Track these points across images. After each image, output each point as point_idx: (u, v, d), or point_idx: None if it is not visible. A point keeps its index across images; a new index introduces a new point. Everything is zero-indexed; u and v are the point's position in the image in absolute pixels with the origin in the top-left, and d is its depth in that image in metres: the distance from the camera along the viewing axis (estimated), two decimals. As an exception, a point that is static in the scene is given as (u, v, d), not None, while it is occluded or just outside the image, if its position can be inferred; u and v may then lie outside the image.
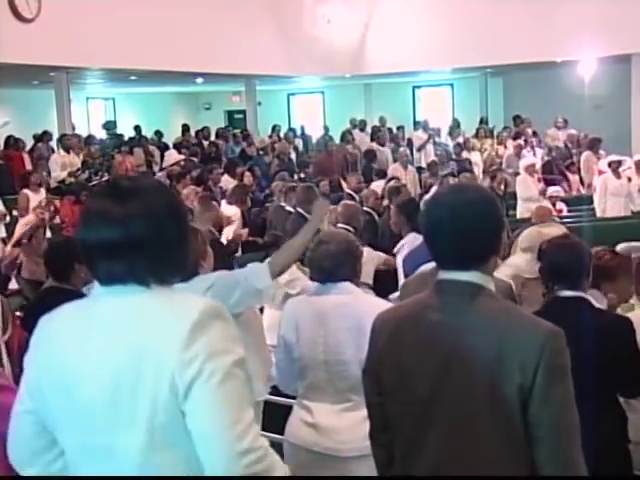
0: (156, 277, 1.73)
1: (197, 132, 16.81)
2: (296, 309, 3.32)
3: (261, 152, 14.93)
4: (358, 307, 3.11)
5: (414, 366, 2.03)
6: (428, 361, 2.01)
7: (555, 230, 5.10)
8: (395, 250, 6.14)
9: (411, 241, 6.24)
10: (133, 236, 1.68)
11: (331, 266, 3.19)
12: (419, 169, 13.74)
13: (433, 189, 11.02)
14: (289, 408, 3.51)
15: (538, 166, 12.10)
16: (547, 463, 1.90)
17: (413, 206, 6.33)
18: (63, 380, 1.71)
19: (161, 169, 13.93)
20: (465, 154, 14.26)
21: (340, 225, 7.07)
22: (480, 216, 2.01)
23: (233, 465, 1.63)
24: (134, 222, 1.69)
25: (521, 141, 14.36)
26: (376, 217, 8.06)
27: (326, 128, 17.77)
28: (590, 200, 11.65)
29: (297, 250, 3.60)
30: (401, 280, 5.93)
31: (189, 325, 1.64)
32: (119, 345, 1.67)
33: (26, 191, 9.88)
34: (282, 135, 16.78)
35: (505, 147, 14.93)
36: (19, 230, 8.62)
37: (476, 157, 14.41)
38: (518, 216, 10.68)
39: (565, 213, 11.05)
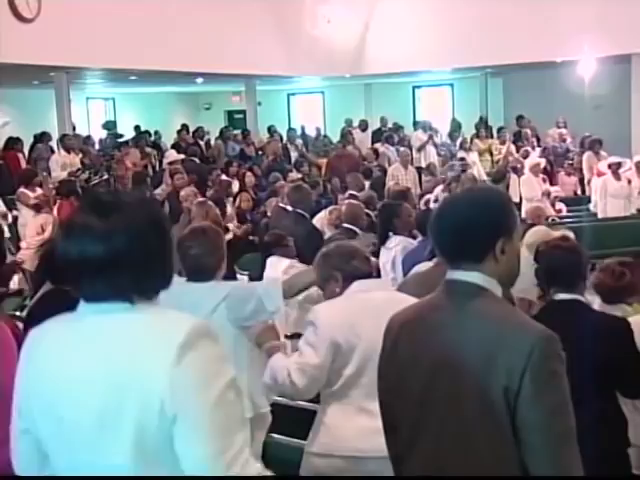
0: (140, 292, 1.71)
1: (194, 132, 16.79)
2: (348, 309, 3.16)
3: (260, 152, 14.94)
4: (406, 300, 3.00)
5: (410, 366, 2.05)
6: (422, 361, 2.02)
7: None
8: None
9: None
10: (115, 251, 1.66)
11: (367, 266, 3.21)
12: (419, 169, 13.74)
13: (436, 190, 11.06)
14: (300, 411, 3.48)
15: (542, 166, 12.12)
16: (539, 469, 1.88)
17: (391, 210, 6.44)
18: (51, 401, 1.70)
19: (161, 169, 13.94)
20: (462, 154, 14.27)
21: (345, 225, 7.07)
22: (474, 216, 2.01)
23: None
24: (116, 237, 1.67)
25: (528, 147, 14.36)
26: (374, 218, 8.05)
27: (317, 129, 17.83)
28: (589, 201, 11.66)
29: (312, 280, 3.61)
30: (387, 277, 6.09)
31: (176, 347, 1.62)
32: (105, 368, 1.65)
33: (23, 189, 9.88)
34: (279, 135, 16.74)
35: (508, 147, 14.94)
36: (31, 231, 8.59)
37: (474, 157, 14.41)
38: (523, 216, 10.68)
39: (564, 213, 11.08)
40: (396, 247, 6.05)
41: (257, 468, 1.67)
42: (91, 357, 1.67)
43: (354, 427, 3.02)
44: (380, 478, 2.48)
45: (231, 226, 8.83)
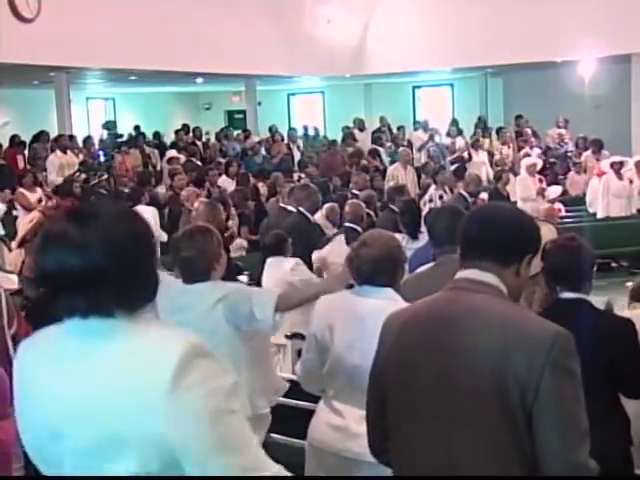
0: (122, 307, 1.62)
1: (193, 130, 16.80)
2: (331, 307, 3.22)
3: (250, 152, 14.96)
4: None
5: (420, 354, 2.07)
6: (433, 350, 2.04)
7: (544, 229, 5.11)
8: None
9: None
10: (92, 263, 1.58)
11: (370, 271, 3.10)
12: (419, 169, 13.75)
13: (430, 190, 11.06)
14: (301, 411, 3.50)
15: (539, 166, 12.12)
16: (552, 466, 1.90)
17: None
18: (47, 426, 1.63)
19: (161, 168, 13.97)
20: (473, 153, 14.28)
21: (347, 225, 7.11)
22: (521, 220, 2.17)
23: None
24: (92, 248, 1.58)
25: (527, 149, 14.39)
26: (374, 218, 8.07)
27: (316, 129, 17.87)
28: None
29: (309, 297, 3.61)
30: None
31: (170, 374, 1.53)
32: (98, 394, 1.58)
33: (21, 190, 9.91)
34: (280, 135, 16.74)
35: (509, 147, 14.95)
36: (23, 228, 8.64)
37: (483, 157, 14.41)
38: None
39: (563, 213, 11.08)
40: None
41: (277, 469, 1.68)
42: (83, 384, 1.60)
43: (321, 421, 3.23)
44: (380, 478, 2.48)
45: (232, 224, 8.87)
